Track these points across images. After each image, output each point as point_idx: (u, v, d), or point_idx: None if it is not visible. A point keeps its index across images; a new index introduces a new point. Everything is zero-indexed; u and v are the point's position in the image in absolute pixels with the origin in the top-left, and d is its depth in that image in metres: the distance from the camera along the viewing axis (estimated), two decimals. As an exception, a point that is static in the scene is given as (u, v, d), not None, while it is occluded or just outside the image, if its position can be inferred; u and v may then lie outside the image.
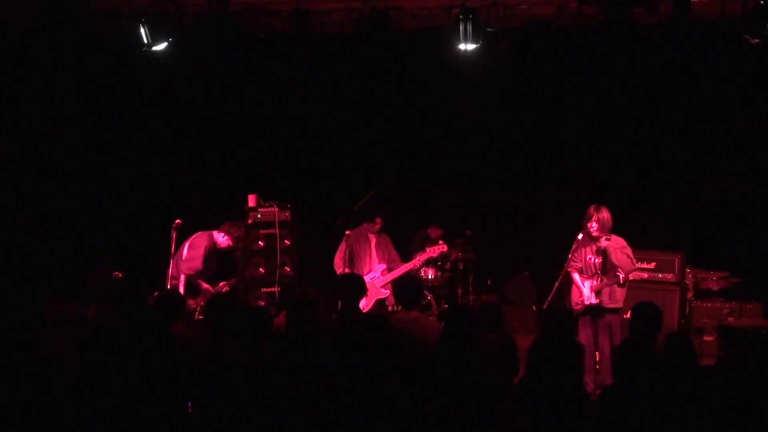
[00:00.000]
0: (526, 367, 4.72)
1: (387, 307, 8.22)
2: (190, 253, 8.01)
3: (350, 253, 8.19)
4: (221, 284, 8.24)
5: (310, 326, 5.53)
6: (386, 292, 8.10)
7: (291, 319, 5.57)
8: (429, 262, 9.53)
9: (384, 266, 8.16)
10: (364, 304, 7.31)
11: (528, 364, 4.61)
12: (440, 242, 8.58)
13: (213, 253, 8.19)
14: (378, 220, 8.29)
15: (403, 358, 4.96)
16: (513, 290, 10.41)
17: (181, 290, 7.74)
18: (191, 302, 7.71)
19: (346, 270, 8.13)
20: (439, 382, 4.87)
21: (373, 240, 8.32)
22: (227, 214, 8.50)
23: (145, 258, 8.62)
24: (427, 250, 8.38)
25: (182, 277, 7.90)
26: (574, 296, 7.39)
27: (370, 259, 8.25)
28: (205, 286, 8.01)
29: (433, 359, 5.17)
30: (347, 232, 8.26)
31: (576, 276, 7.37)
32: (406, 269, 8.17)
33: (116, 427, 4.32)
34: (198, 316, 7.60)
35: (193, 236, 8.14)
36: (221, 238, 8.24)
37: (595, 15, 7.08)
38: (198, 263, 7.98)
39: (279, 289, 8.60)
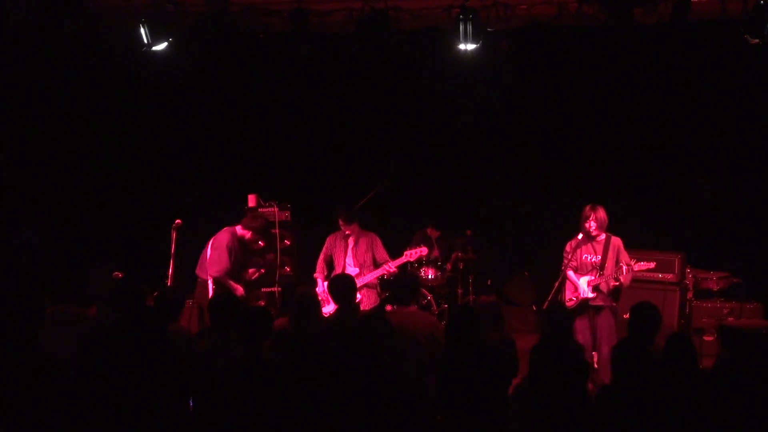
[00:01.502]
0: (529, 370, 4.72)
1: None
2: (214, 254, 7.81)
3: (330, 257, 8.13)
4: (250, 271, 8.14)
5: (316, 325, 5.54)
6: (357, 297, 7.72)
7: (295, 318, 5.57)
8: (429, 262, 9.55)
9: (357, 271, 7.88)
10: (331, 309, 6.97)
11: (531, 367, 4.61)
12: (422, 245, 8.29)
13: (239, 248, 7.95)
14: (341, 224, 8.03)
15: (399, 355, 4.96)
16: (513, 290, 10.42)
17: (211, 294, 7.54)
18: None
19: (321, 275, 8.09)
20: (444, 381, 4.88)
21: (351, 243, 8.06)
22: (234, 212, 8.48)
23: (145, 258, 8.63)
24: (405, 254, 8.06)
25: (210, 281, 7.76)
26: (568, 293, 7.44)
27: (344, 263, 8.04)
28: (235, 285, 7.77)
29: (440, 359, 5.18)
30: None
31: (570, 273, 7.40)
32: (378, 274, 7.92)
33: (117, 427, 4.32)
34: None
35: (215, 237, 7.93)
36: (243, 232, 8.03)
37: (595, 15, 7.07)
38: (225, 263, 7.76)
39: (279, 289, 8.60)
